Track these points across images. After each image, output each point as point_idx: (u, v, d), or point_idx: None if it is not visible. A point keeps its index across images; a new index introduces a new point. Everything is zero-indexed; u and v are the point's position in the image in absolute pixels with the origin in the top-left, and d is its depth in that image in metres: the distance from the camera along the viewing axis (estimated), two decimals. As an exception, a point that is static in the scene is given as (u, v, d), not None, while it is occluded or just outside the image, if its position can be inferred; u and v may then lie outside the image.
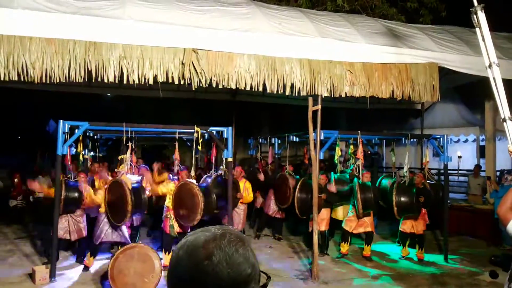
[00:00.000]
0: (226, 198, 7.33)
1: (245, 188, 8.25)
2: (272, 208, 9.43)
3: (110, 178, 7.21)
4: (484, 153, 11.87)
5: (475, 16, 3.52)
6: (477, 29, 3.54)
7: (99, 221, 7.00)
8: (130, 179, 6.88)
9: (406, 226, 8.09)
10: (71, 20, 6.00)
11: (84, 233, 7.31)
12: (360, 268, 7.52)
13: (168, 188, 7.06)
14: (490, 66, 3.49)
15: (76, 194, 6.99)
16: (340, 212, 9.02)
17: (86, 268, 7.04)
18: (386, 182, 8.74)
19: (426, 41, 8.17)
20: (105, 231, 6.94)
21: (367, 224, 7.96)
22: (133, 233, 8.04)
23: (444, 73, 10.88)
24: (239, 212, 8.21)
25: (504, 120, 3.34)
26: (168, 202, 7.08)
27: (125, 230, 7.03)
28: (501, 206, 3.07)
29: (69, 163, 7.16)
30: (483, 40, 3.52)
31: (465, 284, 6.77)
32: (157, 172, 7.46)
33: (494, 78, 3.43)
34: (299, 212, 8.09)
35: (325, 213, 8.04)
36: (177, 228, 7.08)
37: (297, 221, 10.02)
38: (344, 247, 8.15)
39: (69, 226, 7.16)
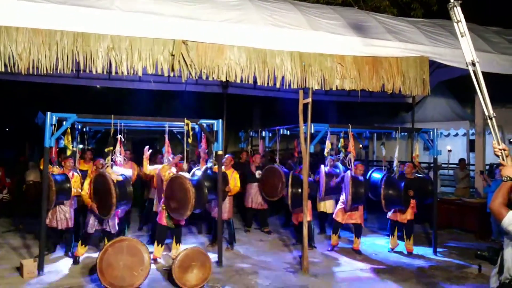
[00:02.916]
0: (215, 191, 7.31)
1: (233, 178, 8.18)
2: (255, 201, 9.49)
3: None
4: (474, 147, 11.95)
5: (453, 11, 3.45)
6: (456, 25, 3.48)
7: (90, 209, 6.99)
8: (115, 171, 6.81)
9: (392, 214, 8.14)
10: (59, 10, 5.91)
11: (70, 224, 7.32)
12: (350, 261, 7.55)
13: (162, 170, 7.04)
14: (473, 64, 3.45)
15: (68, 185, 7.01)
16: (328, 204, 9.08)
17: (75, 261, 6.99)
18: (376, 175, 8.76)
19: (417, 34, 8.18)
20: (98, 219, 6.94)
21: (356, 216, 8.00)
22: (121, 225, 8.05)
23: (435, 67, 10.95)
24: (225, 201, 8.07)
25: (490, 117, 3.33)
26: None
27: (112, 219, 7.01)
28: (494, 201, 3.08)
29: (54, 155, 7.08)
30: (462, 36, 3.47)
31: (453, 277, 6.82)
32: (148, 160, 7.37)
33: (476, 75, 3.40)
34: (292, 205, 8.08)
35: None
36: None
37: (288, 214, 10.05)
38: (334, 238, 8.18)
39: (56, 214, 7.19)
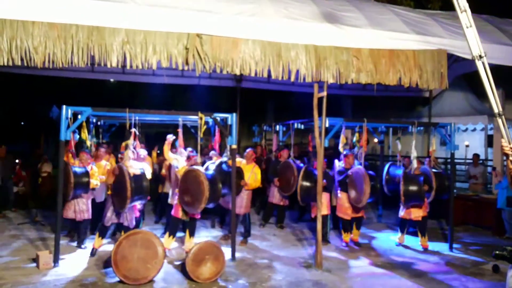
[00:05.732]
0: (230, 185, 7.28)
1: (253, 173, 8.09)
2: (276, 196, 9.38)
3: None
4: (492, 142, 11.71)
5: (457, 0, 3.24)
6: (461, 15, 3.28)
7: (109, 202, 7.05)
8: (133, 165, 6.83)
9: (405, 212, 8.04)
10: (74, 4, 5.91)
11: (87, 215, 7.40)
12: (364, 257, 7.49)
13: (180, 163, 7.05)
14: (480, 57, 3.26)
15: (85, 179, 7.07)
16: None
17: (92, 253, 7.05)
18: (393, 170, 8.66)
19: (435, 27, 8.00)
20: (115, 213, 7.00)
21: (358, 209, 7.97)
22: (137, 219, 8.07)
23: (453, 60, 10.74)
24: (243, 196, 7.98)
25: (500, 115, 3.19)
26: None
27: (130, 213, 7.06)
28: None
29: (73, 148, 7.15)
30: (468, 27, 3.26)
31: (469, 273, 6.72)
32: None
33: (485, 70, 3.25)
34: (301, 199, 8.04)
35: (324, 197, 7.92)
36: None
37: (302, 209, 10.00)
38: (346, 236, 8.12)
39: (74, 206, 7.29)
